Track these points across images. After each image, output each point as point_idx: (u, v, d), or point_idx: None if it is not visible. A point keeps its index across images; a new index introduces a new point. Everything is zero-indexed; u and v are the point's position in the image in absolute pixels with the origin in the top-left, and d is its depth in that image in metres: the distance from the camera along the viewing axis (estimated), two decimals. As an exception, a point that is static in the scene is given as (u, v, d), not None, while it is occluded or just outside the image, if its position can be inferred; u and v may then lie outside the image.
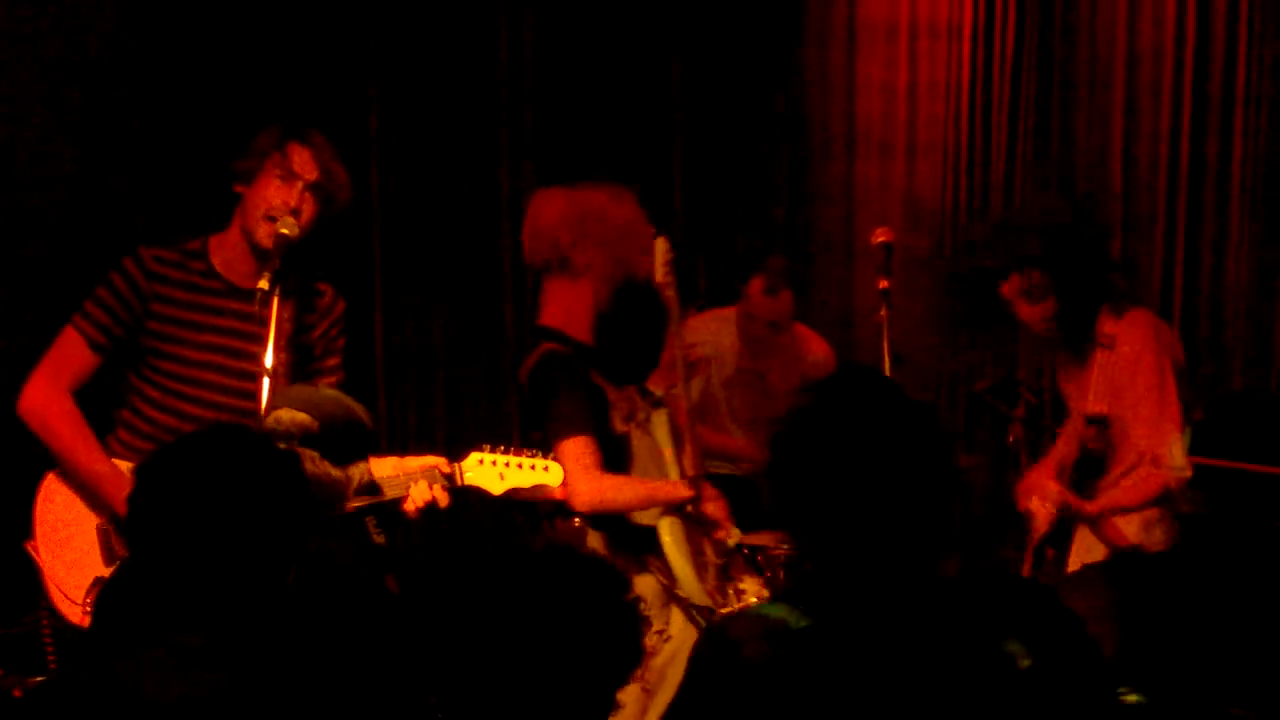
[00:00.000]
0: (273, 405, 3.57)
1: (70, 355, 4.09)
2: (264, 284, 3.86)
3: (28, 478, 4.17)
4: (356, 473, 3.63)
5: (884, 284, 4.91)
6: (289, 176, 4.07)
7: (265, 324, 3.84)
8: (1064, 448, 4.84)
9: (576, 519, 4.61)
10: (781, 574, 5.48)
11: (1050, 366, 6.56)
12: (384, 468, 3.94)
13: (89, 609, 3.91)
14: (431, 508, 3.92)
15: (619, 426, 4.52)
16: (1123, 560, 4.43)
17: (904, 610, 2.49)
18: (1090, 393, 4.57)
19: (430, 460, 3.98)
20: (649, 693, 4.24)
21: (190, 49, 6.04)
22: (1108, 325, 4.59)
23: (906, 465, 2.51)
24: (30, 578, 4.52)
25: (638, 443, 4.55)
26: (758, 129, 7.71)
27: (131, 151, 5.91)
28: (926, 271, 7.37)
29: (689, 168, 7.58)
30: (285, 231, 3.99)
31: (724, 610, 4.54)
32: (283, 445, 3.19)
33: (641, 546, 4.48)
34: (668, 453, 4.62)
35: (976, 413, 7.04)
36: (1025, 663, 2.45)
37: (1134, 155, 7.04)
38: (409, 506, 3.94)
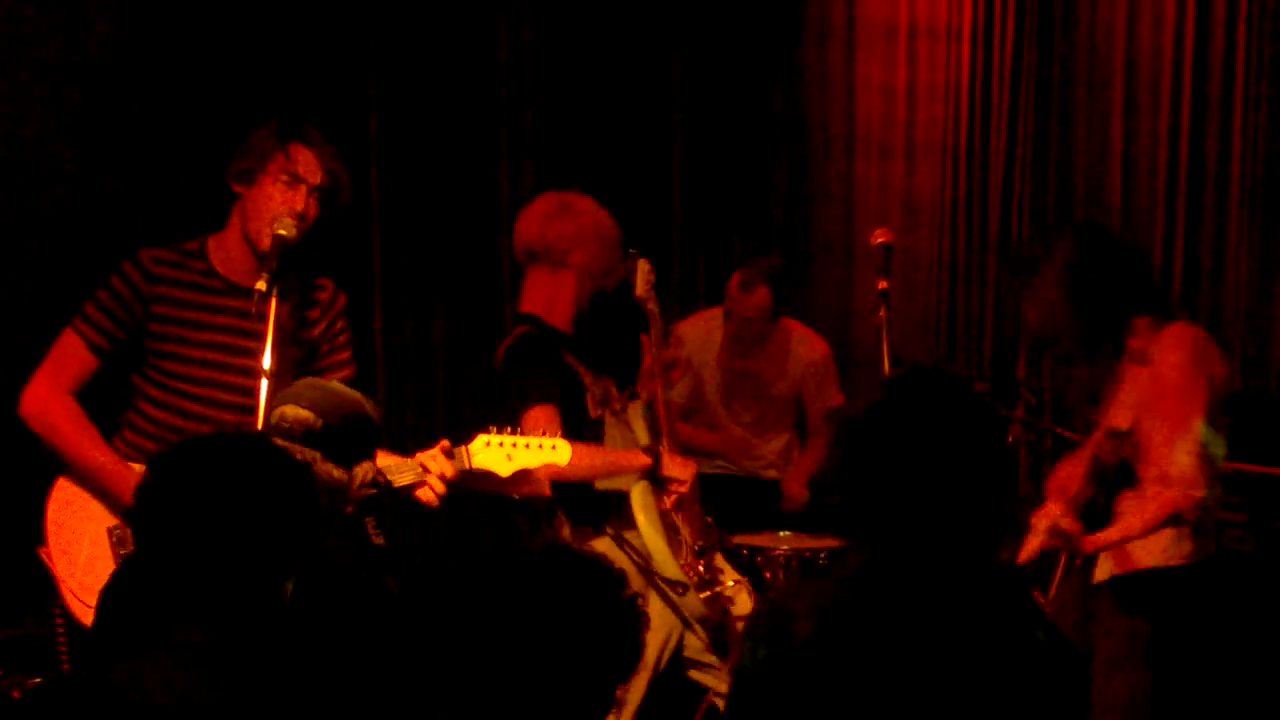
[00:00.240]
0: (279, 401, 3.56)
1: (70, 358, 4.08)
2: (261, 285, 3.86)
3: (33, 483, 4.17)
4: (360, 472, 3.62)
5: (883, 285, 4.90)
6: (294, 181, 4.06)
7: (264, 325, 3.83)
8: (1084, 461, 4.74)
9: (566, 529, 4.64)
10: (781, 574, 5.49)
11: (1051, 368, 6.56)
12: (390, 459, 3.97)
13: None
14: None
15: (593, 411, 4.62)
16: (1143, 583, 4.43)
17: (960, 598, 2.62)
18: (1115, 407, 4.52)
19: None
20: None
21: (190, 49, 6.03)
22: (1142, 339, 4.50)
23: (975, 460, 2.66)
24: (30, 580, 4.52)
25: (611, 429, 4.66)
26: (757, 129, 7.72)
27: (131, 152, 5.91)
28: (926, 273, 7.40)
29: (688, 168, 7.58)
30: (282, 233, 3.98)
31: (703, 593, 4.58)
32: (283, 443, 3.18)
33: (602, 517, 4.66)
34: (644, 441, 4.70)
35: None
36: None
37: (1133, 156, 7.04)
38: (423, 493, 3.96)
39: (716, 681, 4.73)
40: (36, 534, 4.09)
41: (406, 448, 4.03)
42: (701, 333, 6.39)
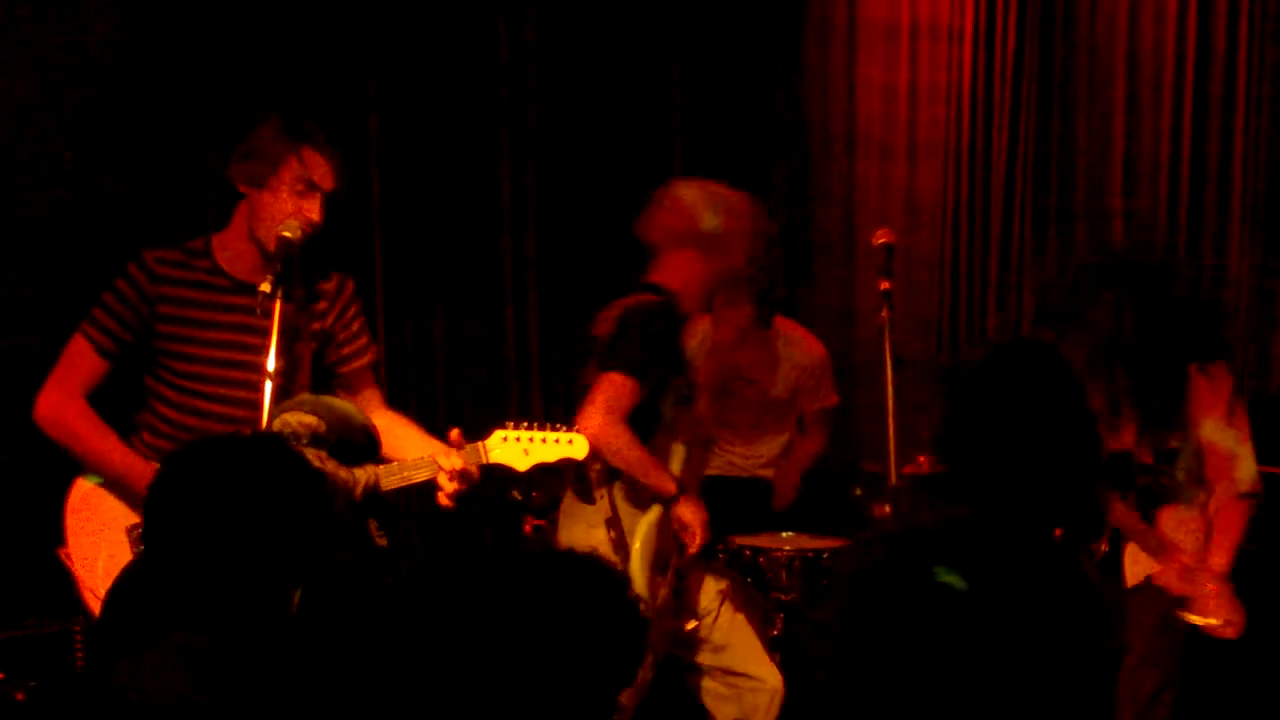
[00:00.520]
0: (279, 412, 3.56)
1: (80, 362, 4.07)
2: (266, 287, 3.85)
3: (37, 486, 4.17)
4: (363, 475, 3.63)
5: (885, 285, 4.89)
6: (310, 189, 4.05)
7: (268, 328, 3.83)
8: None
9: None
10: (784, 575, 5.48)
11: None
12: (407, 453, 3.98)
13: None
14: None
15: (668, 409, 4.57)
16: None
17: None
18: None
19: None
20: None
21: (190, 49, 6.03)
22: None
23: (1070, 433, 2.82)
24: (33, 582, 4.53)
25: (664, 431, 4.59)
26: (758, 129, 7.71)
27: (131, 152, 5.90)
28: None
29: (689, 168, 7.56)
30: (287, 235, 3.97)
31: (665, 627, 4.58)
32: (298, 447, 3.19)
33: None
34: (677, 468, 4.65)
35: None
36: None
37: (1134, 156, 7.05)
38: (441, 495, 3.96)
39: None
40: (41, 536, 4.09)
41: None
42: (696, 336, 6.37)
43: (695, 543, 4.54)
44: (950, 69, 7.51)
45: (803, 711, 4.47)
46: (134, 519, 4.01)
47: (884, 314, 4.85)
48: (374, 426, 3.72)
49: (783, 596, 5.51)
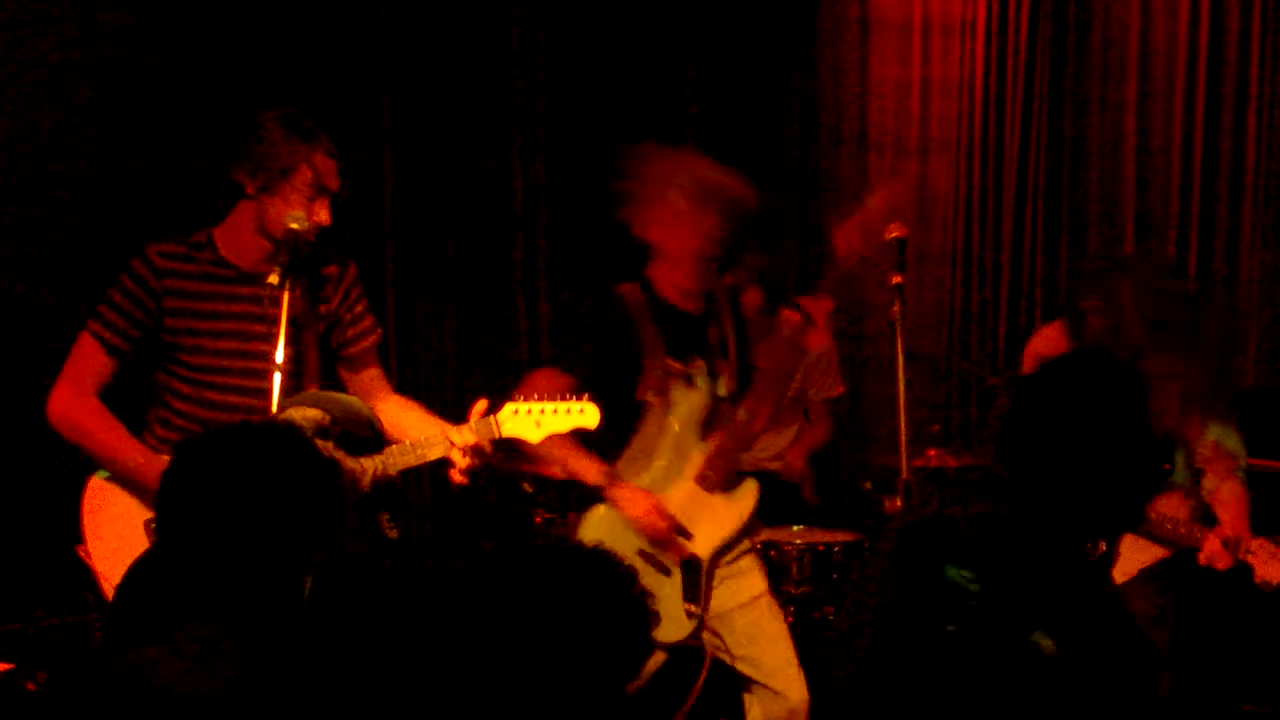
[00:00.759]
0: (284, 408, 3.56)
1: (89, 360, 4.07)
2: (274, 279, 3.86)
3: (49, 483, 4.18)
4: (371, 465, 3.63)
5: (897, 279, 4.88)
6: (322, 193, 4.06)
7: (276, 318, 3.84)
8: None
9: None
10: (794, 568, 5.48)
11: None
12: (416, 433, 3.99)
13: None
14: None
15: (651, 398, 4.52)
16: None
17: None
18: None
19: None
20: None
21: (202, 40, 6.03)
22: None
23: (1132, 448, 2.82)
24: (39, 575, 4.54)
25: (652, 417, 4.52)
26: (771, 125, 7.70)
27: (144, 148, 5.91)
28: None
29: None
30: (295, 227, 3.98)
31: None
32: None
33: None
34: (680, 433, 4.55)
35: (988, 407, 7.03)
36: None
37: (1147, 151, 7.03)
38: (454, 473, 3.97)
39: None
40: (53, 530, 4.10)
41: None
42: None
43: (650, 531, 4.46)
44: (963, 64, 7.50)
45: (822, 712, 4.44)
46: (150, 514, 4.02)
47: (896, 308, 4.84)
48: (377, 419, 3.71)
49: (793, 590, 5.52)
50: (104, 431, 4.06)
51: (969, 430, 7.22)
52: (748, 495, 4.58)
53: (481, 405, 4.06)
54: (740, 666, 4.55)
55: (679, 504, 4.51)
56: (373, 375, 4.36)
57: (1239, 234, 6.85)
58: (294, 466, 2.74)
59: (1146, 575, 4.50)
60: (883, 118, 7.69)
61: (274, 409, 3.73)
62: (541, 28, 7.11)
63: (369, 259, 6.61)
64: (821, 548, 5.55)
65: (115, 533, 4.03)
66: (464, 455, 3.97)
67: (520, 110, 7.10)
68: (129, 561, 3.61)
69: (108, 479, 4.09)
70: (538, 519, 5.86)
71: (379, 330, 4.38)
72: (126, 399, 4.15)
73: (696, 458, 4.54)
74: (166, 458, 3.92)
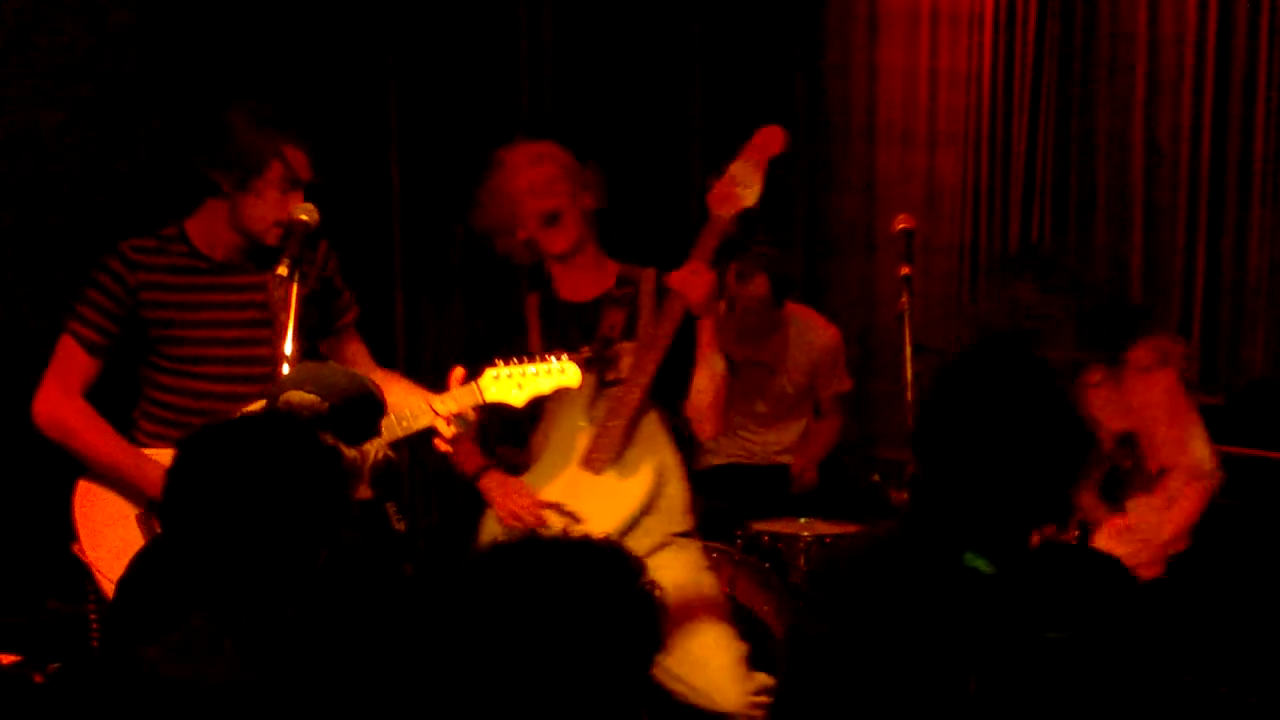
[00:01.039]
0: (280, 388, 3.56)
1: (71, 361, 4.09)
2: (283, 270, 3.86)
3: (52, 476, 4.18)
4: (371, 449, 3.63)
5: (905, 270, 4.89)
6: (294, 185, 4.08)
7: (285, 310, 3.83)
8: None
9: None
10: (802, 560, 5.48)
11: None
12: (403, 405, 3.99)
13: None
14: None
15: None
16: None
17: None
18: (1116, 415, 4.54)
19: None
20: None
21: (206, 36, 6.03)
22: (1143, 361, 4.54)
23: (1045, 435, 2.70)
24: (42, 567, 4.54)
25: (547, 407, 4.43)
26: (778, 117, 7.68)
27: (143, 148, 5.90)
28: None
29: (708, 154, 7.56)
30: (304, 218, 3.98)
31: None
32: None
33: None
34: (569, 419, 4.44)
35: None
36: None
37: (1155, 142, 7.03)
38: (439, 441, 3.99)
39: None
40: (55, 524, 4.11)
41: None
42: None
43: (507, 520, 4.37)
44: (971, 55, 7.50)
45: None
46: (140, 508, 4.06)
47: (904, 300, 4.84)
48: (377, 389, 3.68)
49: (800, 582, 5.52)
50: (90, 432, 4.07)
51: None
52: (645, 476, 4.38)
53: (459, 372, 4.07)
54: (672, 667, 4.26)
55: (566, 489, 4.40)
56: (356, 349, 4.40)
57: (1247, 225, 6.85)
58: (296, 458, 2.73)
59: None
60: (890, 108, 7.68)
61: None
62: (546, 21, 7.10)
63: (374, 259, 6.63)
64: (829, 540, 5.54)
65: (108, 529, 4.04)
66: (448, 424, 3.99)
67: (527, 99, 7.09)
68: (126, 557, 3.64)
69: (95, 479, 4.11)
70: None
71: (357, 306, 4.41)
72: (112, 400, 4.17)
73: (584, 441, 4.41)
74: (152, 453, 3.98)
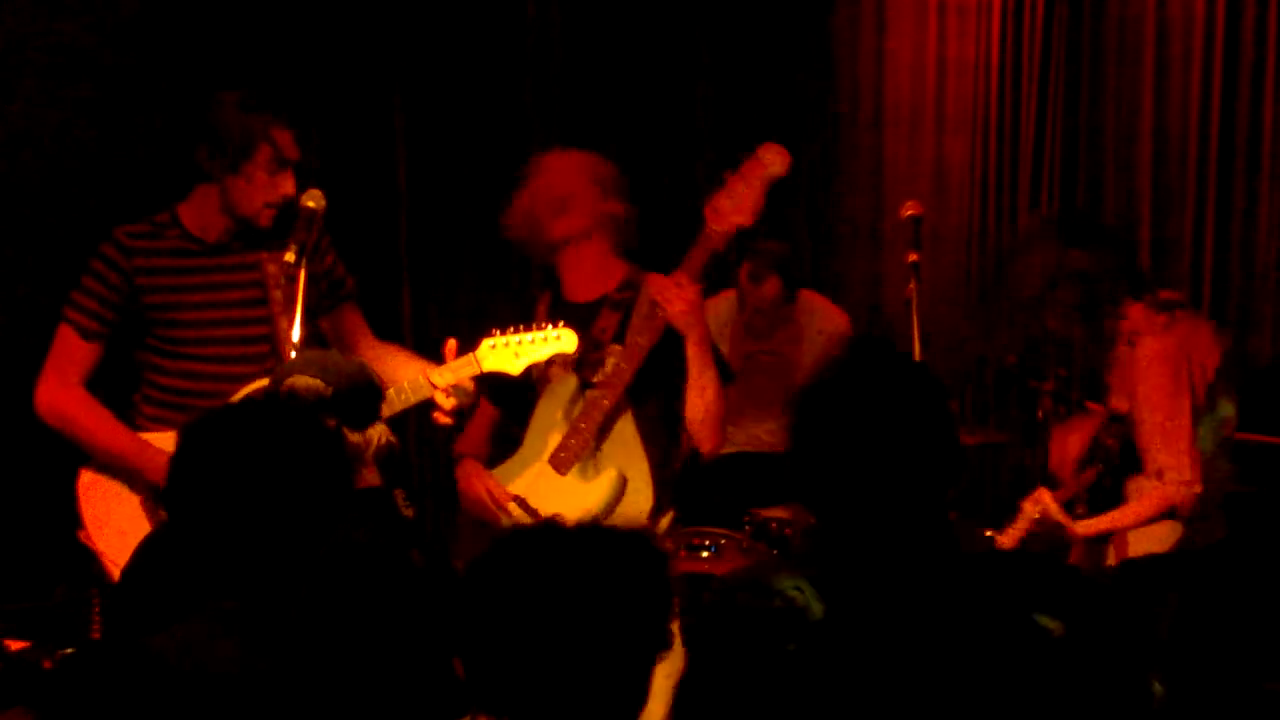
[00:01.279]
0: (282, 374, 3.57)
1: (69, 350, 4.13)
2: (290, 256, 3.88)
3: (58, 464, 4.19)
4: (374, 434, 3.64)
5: (913, 257, 4.87)
6: (283, 165, 4.09)
7: (291, 294, 3.85)
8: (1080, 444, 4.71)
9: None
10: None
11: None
12: (401, 377, 4.01)
13: None
14: None
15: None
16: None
17: (922, 585, 2.50)
18: (1115, 389, 4.51)
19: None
20: None
21: (211, 33, 6.03)
22: (1137, 323, 4.46)
23: (916, 436, 2.54)
24: (49, 556, 4.54)
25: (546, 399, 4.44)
26: (786, 104, 7.69)
27: (147, 145, 5.91)
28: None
29: (716, 143, 7.56)
30: (311, 205, 4.01)
31: None
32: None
33: None
34: (549, 417, 4.43)
35: (1005, 387, 7.03)
36: (1057, 632, 2.46)
37: (1164, 129, 7.00)
38: (439, 414, 3.99)
39: None
40: (63, 511, 4.13)
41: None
42: (719, 314, 6.35)
43: (469, 506, 4.39)
44: (978, 43, 7.48)
45: None
46: (144, 494, 4.08)
47: (912, 286, 4.83)
48: (376, 372, 3.67)
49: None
50: (92, 420, 4.10)
51: (986, 409, 7.22)
52: (606, 481, 4.34)
53: (453, 344, 4.08)
54: None
55: (531, 484, 4.39)
56: (355, 322, 4.43)
57: (1256, 209, 6.83)
58: (299, 442, 2.74)
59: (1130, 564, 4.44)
60: (898, 96, 7.68)
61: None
62: (554, 13, 7.10)
63: (383, 244, 6.64)
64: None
65: (114, 516, 4.08)
66: (447, 396, 4.00)
67: (533, 92, 7.09)
68: (130, 540, 3.66)
69: (98, 468, 4.11)
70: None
71: (353, 280, 4.43)
72: (112, 385, 4.18)
73: (556, 439, 4.39)
74: (153, 436, 4.00)
